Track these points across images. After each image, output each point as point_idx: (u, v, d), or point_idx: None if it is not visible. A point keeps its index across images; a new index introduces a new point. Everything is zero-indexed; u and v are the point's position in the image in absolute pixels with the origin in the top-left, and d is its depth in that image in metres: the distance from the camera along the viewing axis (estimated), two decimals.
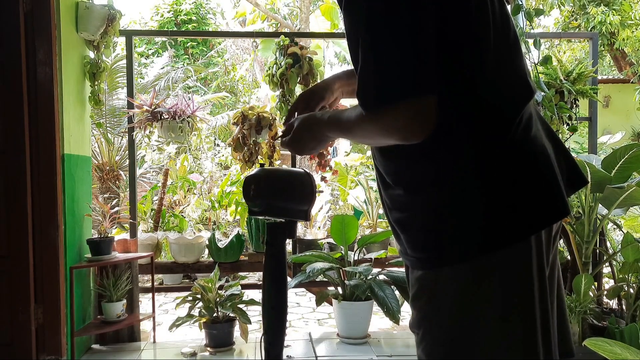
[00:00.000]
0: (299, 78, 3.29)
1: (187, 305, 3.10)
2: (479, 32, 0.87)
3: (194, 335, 3.29)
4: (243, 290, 3.12)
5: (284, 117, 3.40)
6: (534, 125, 0.93)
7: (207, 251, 3.50)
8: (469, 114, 0.88)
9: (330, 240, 3.53)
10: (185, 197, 5.23)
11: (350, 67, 1.19)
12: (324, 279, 3.33)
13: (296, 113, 1.24)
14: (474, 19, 0.87)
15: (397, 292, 3.04)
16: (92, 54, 3.24)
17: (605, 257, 3.19)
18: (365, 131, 0.91)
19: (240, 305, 3.05)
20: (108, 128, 6.20)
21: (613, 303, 3.17)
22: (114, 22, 3.18)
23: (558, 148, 0.98)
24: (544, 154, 0.92)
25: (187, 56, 11.79)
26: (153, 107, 3.27)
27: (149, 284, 3.65)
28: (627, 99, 9.61)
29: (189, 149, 5.17)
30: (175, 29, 11.94)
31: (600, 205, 3.00)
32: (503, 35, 0.91)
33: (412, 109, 0.83)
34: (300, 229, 3.83)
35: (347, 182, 4.76)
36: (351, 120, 0.94)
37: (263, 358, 1.22)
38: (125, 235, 3.51)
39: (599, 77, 7.58)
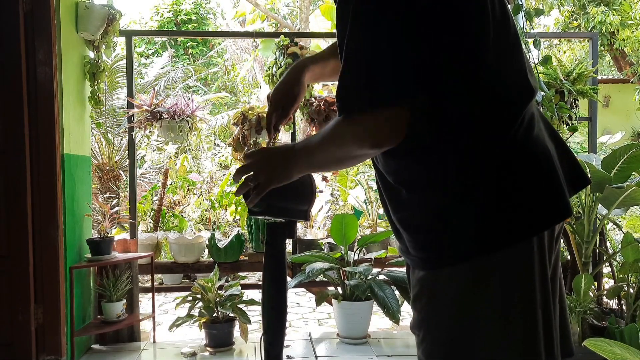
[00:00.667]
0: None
1: (187, 305, 3.10)
2: (479, 32, 0.87)
3: (194, 335, 3.29)
4: (243, 290, 3.13)
5: None
6: (536, 126, 0.93)
7: (207, 251, 3.50)
8: (469, 114, 0.88)
9: (330, 240, 3.53)
10: (185, 197, 5.23)
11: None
12: (324, 279, 3.32)
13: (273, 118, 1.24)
14: (473, 19, 0.87)
15: (397, 292, 3.04)
16: (92, 54, 3.24)
17: (605, 257, 3.19)
18: (340, 138, 0.92)
19: (240, 305, 3.05)
20: (108, 128, 6.20)
21: (613, 303, 3.17)
22: (114, 22, 3.18)
23: (560, 148, 0.98)
24: (546, 154, 0.92)
25: (187, 56, 11.79)
26: (153, 107, 3.27)
27: (149, 284, 3.65)
28: (627, 99, 9.62)
29: (189, 149, 5.17)
30: (175, 29, 11.93)
31: (600, 205, 2.99)
32: (503, 35, 0.91)
33: (386, 117, 0.86)
34: (300, 229, 3.83)
35: (347, 182, 4.76)
36: (327, 131, 0.94)
37: (263, 358, 1.21)
38: (125, 235, 3.51)
39: (599, 77, 7.59)
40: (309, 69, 1.24)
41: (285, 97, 1.24)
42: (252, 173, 1.05)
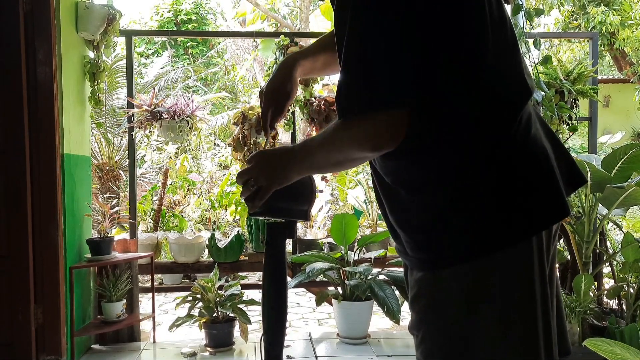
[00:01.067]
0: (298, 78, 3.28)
1: (187, 305, 3.10)
2: (479, 32, 0.87)
3: (194, 335, 3.29)
4: (243, 290, 3.12)
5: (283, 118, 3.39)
6: (533, 125, 0.93)
7: (207, 251, 3.50)
8: (469, 114, 0.88)
9: (330, 240, 3.53)
10: (185, 197, 5.23)
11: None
12: (324, 279, 3.32)
13: (269, 116, 1.23)
14: (473, 19, 0.87)
15: (397, 292, 3.04)
16: (92, 54, 3.24)
17: (605, 257, 3.19)
18: (339, 140, 0.92)
19: (240, 305, 3.05)
20: (108, 128, 6.20)
21: (613, 303, 3.17)
22: (114, 22, 3.18)
23: (557, 147, 0.98)
24: (544, 154, 0.92)
25: (187, 56, 11.79)
26: (153, 107, 3.27)
27: (148, 284, 3.65)
28: (627, 99, 9.62)
29: (189, 149, 5.18)
30: (175, 29, 11.93)
31: (600, 205, 2.99)
32: (501, 35, 0.91)
33: (386, 120, 0.86)
34: (300, 229, 3.83)
35: (346, 182, 4.76)
36: (326, 133, 0.94)
37: (263, 358, 1.21)
38: (125, 235, 3.51)
39: (599, 77, 7.58)
40: (299, 64, 1.23)
41: (278, 94, 1.22)
42: (252, 177, 1.04)
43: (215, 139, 7.53)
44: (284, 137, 5.04)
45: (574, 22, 9.29)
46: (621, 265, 3.05)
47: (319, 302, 3.27)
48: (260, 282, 3.59)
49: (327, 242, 3.63)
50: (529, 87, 0.93)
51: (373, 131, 0.88)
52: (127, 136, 3.83)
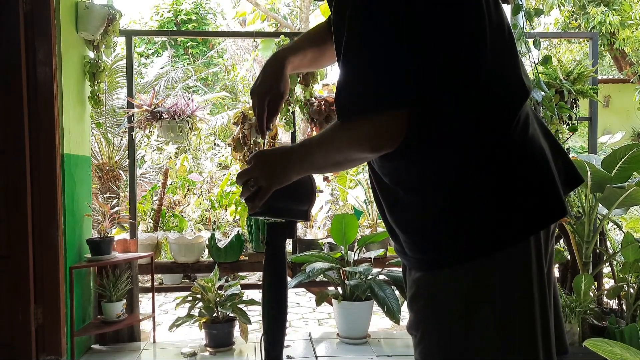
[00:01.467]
0: (298, 78, 3.29)
1: (187, 305, 3.10)
2: (478, 32, 0.87)
3: (194, 335, 3.29)
4: (243, 290, 3.13)
5: (283, 118, 3.40)
6: (531, 125, 0.93)
7: (207, 251, 3.50)
8: (468, 115, 0.88)
9: (330, 240, 3.53)
10: (185, 197, 5.23)
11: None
12: (324, 279, 3.32)
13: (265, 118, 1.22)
14: (473, 19, 0.87)
15: (397, 292, 3.04)
16: (92, 54, 3.24)
17: (605, 257, 3.19)
18: (338, 141, 0.92)
19: (240, 305, 3.05)
20: (108, 128, 6.20)
21: (613, 303, 3.17)
22: (114, 22, 3.18)
23: (554, 147, 0.98)
24: (542, 154, 0.92)
25: (187, 56, 11.78)
26: (153, 107, 3.27)
27: (148, 284, 3.65)
28: (627, 99, 9.62)
29: (189, 149, 5.18)
30: (175, 29, 11.93)
31: (600, 205, 2.99)
32: (499, 36, 0.91)
33: (386, 120, 0.86)
34: (300, 229, 3.83)
35: (347, 182, 4.76)
36: (326, 134, 0.94)
37: (263, 358, 1.21)
38: (125, 235, 3.51)
39: (599, 77, 7.58)
40: (289, 60, 1.20)
41: (272, 94, 1.20)
42: (252, 177, 1.03)
43: (215, 139, 7.52)
44: (284, 137, 5.04)
45: (574, 22, 9.29)
46: (621, 265, 3.04)
47: (319, 302, 3.27)
48: (260, 282, 3.59)
49: (327, 242, 3.63)
50: (526, 87, 0.93)
51: (373, 132, 0.87)
52: (127, 136, 3.83)
